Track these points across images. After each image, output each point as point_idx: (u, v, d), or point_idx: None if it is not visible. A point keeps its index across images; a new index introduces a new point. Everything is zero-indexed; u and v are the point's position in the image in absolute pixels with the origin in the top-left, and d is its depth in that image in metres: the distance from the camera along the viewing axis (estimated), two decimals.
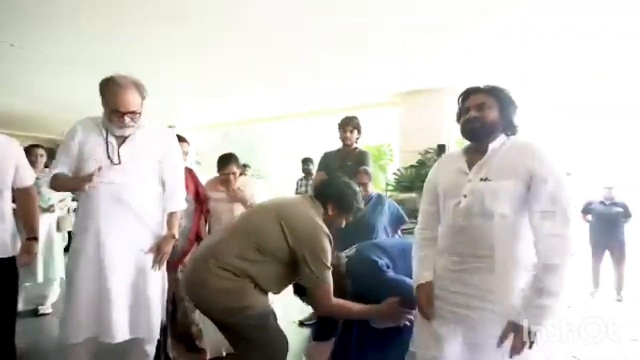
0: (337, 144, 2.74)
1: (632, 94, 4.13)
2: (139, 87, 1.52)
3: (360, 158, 2.59)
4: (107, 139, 1.52)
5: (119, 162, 1.50)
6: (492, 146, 1.21)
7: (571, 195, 1.14)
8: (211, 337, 2.06)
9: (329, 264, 1.38)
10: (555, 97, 4.46)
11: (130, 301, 1.55)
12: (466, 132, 1.26)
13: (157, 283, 1.64)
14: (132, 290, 1.55)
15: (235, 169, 2.26)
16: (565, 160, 4.85)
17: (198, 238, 2.12)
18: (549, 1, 2.39)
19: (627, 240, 4.05)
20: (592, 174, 5.02)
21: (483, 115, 1.22)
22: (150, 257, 1.60)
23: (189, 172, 2.15)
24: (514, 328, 1.09)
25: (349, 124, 2.61)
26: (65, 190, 2.16)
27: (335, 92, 4.72)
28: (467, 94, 1.30)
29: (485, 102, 1.24)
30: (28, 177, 1.65)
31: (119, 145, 1.52)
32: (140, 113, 1.52)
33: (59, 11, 2.55)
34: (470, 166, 1.24)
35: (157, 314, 1.60)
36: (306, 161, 4.60)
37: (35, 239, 1.66)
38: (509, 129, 1.25)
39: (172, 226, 1.66)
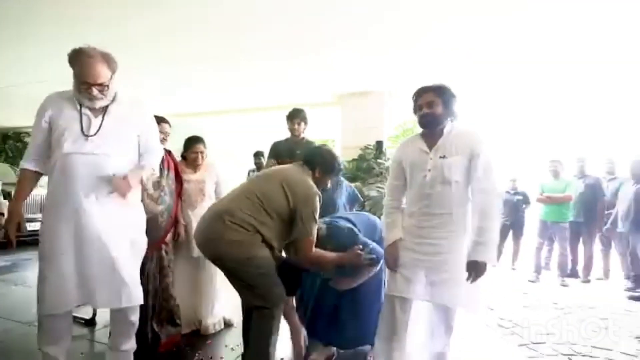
0: (280, 138, 2.95)
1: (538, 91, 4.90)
2: (108, 60, 1.52)
3: (308, 147, 2.84)
4: (80, 111, 1.52)
5: (96, 134, 1.51)
6: (445, 131, 1.67)
7: (495, 166, 1.63)
8: (185, 313, 2.23)
9: (317, 219, 1.67)
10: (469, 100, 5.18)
11: (111, 272, 1.53)
12: (422, 124, 1.70)
13: (138, 254, 1.67)
14: (113, 261, 1.53)
15: (202, 147, 2.40)
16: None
17: (176, 219, 2.18)
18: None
19: (526, 222, 4.90)
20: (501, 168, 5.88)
21: (432, 112, 1.65)
22: (131, 229, 1.63)
23: (168, 153, 2.19)
24: (471, 264, 1.54)
25: (297, 117, 2.81)
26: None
27: (283, 91, 4.97)
28: (419, 94, 1.70)
29: (434, 100, 1.65)
30: None
31: (97, 117, 1.53)
32: (108, 86, 1.52)
33: None
34: (429, 147, 1.66)
35: (138, 284, 1.63)
36: (257, 155, 4.81)
37: None
38: (451, 116, 1.70)
39: (142, 166, 1.63)
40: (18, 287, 3.50)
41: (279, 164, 2.63)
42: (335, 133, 5.64)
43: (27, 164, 1.58)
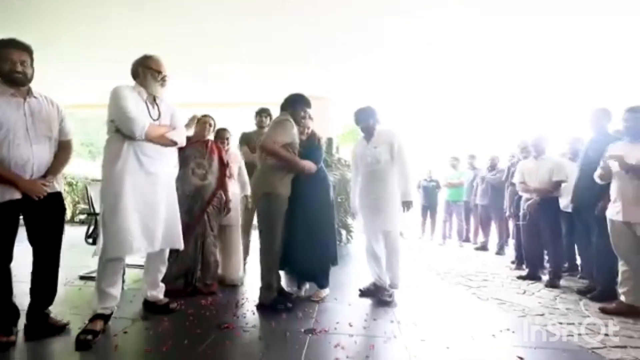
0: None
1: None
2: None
3: None
4: (146, 100, 2.10)
5: (157, 119, 2.10)
6: (376, 132, 2.78)
7: (408, 153, 2.74)
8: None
9: (284, 136, 2.40)
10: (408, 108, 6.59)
11: (166, 217, 2.11)
12: (363, 131, 2.84)
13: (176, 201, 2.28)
14: (167, 209, 2.12)
15: (229, 134, 3.12)
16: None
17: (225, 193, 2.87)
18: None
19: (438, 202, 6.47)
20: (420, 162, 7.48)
21: (366, 125, 2.82)
22: (173, 190, 2.22)
23: (214, 142, 2.94)
24: (404, 203, 2.68)
25: (264, 112, 3.59)
26: None
27: (252, 92, 5.74)
28: (356, 116, 2.86)
29: (364, 118, 2.82)
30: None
31: (153, 106, 2.10)
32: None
33: None
34: (368, 142, 2.78)
35: (180, 227, 2.24)
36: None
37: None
38: (378, 123, 2.81)
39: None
40: None
41: (249, 148, 3.46)
42: None
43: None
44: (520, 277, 3.54)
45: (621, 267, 2.55)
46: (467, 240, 5.91)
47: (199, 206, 2.70)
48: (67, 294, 2.67)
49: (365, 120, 2.78)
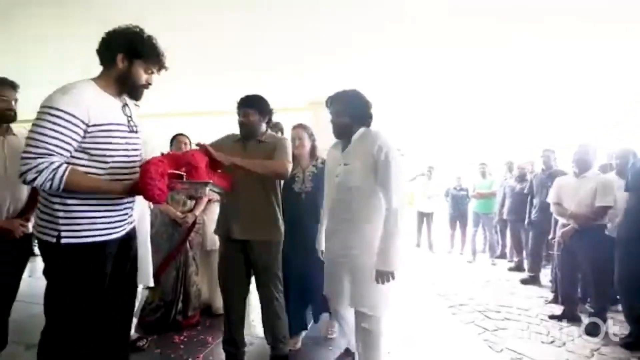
0: None
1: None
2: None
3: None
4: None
5: None
6: (353, 139, 1.72)
7: (395, 170, 1.59)
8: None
9: None
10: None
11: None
12: (335, 135, 1.80)
13: None
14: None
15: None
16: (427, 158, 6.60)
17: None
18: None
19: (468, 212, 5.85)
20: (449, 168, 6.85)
21: (338, 122, 1.74)
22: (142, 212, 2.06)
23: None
24: (379, 274, 1.59)
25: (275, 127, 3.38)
26: None
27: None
28: (327, 103, 1.80)
29: (337, 111, 1.73)
30: None
31: None
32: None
33: None
34: (341, 152, 1.75)
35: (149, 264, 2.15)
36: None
37: None
38: (363, 123, 1.72)
39: None
40: None
41: None
42: None
43: None
44: (553, 317, 2.98)
45: None
46: (502, 256, 5.27)
47: (179, 234, 2.56)
48: None
49: (337, 112, 1.73)
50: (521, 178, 4.49)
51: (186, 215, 2.56)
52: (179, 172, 1.44)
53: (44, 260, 1.28)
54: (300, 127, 2.37)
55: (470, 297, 3.48)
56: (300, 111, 5.85)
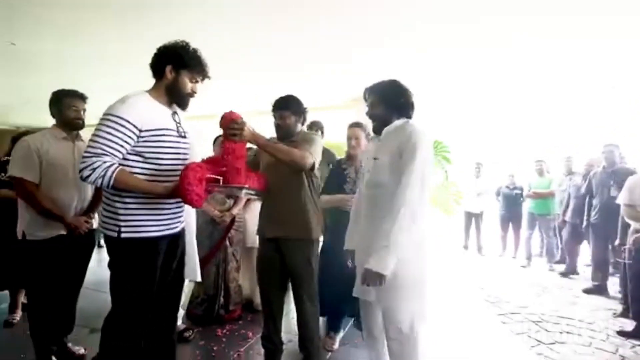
0: None
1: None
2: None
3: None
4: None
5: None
6: (385, 130, 1.54)
7: (420, 162, 1.38)
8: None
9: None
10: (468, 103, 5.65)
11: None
12: (372, 129, 1.65)
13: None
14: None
15: None
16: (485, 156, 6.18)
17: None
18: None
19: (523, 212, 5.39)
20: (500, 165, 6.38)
21: (373, 114, 1.59)
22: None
23: None
24: (366, 272, 1.38)
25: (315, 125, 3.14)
26: None
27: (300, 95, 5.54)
28: (364, 96, 1.62)
29: (372, 102, 1.57)
30: None
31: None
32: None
33: None
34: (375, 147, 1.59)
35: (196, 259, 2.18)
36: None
37: None
38: (402, 114, 1.53)
39: None
40: None
41: None
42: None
43: None
44: (622, 333, 2.65)
45: None
46: (561, 261, 4.81)
47: (219, 231, 2.67)
48: None
49: (372, 104, 1.59)
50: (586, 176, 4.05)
51: (224, 214, 2.65)
52: (216, 177, 1.49)
53: (108, 252, 1.44)
54: (356, 125, 2.31)
55: (523, 305, 3.21)
56: (344, 109, 5.81)
